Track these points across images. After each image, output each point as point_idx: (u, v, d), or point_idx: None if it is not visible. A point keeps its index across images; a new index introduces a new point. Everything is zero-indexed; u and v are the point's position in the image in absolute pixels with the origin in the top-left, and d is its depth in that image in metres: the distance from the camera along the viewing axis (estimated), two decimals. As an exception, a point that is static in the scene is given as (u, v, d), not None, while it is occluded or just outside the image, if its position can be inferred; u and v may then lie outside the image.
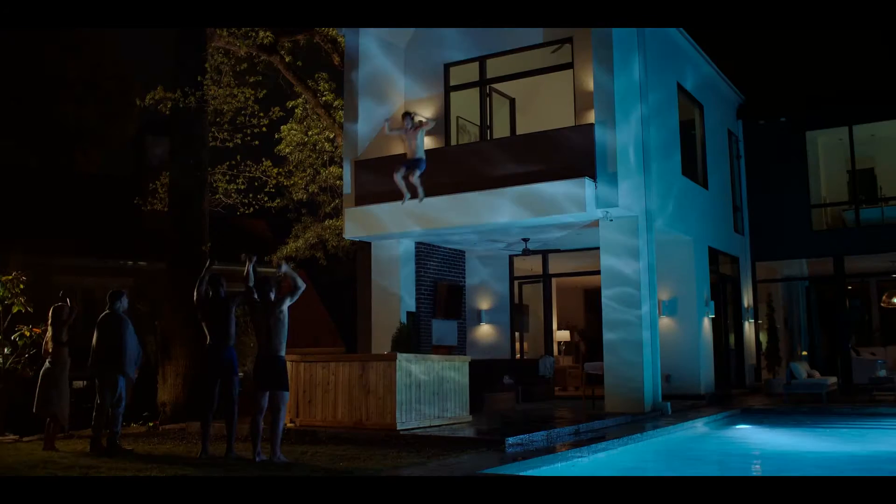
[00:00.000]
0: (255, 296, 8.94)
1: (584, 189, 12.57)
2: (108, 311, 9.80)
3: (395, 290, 15.16)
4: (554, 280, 18.56)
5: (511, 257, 18.02)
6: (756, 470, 9.90)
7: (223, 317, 9.24)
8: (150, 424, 13.14)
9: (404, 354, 10.89)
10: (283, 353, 8.85)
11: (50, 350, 10.25)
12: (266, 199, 17.46)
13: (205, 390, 9.42)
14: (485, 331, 18.03)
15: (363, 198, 14.68)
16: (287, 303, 8.84)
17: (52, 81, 27.89)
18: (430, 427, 10.76)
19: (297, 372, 11.32)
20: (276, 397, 8.81)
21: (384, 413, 10.49)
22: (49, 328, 10.32)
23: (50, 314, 10.36)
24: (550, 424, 11.17)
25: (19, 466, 8.29)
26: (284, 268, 9.10)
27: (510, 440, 9.46)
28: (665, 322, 15.87)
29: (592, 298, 20.99)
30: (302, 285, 8.90)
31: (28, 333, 11.77)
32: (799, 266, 20.87)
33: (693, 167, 17.00)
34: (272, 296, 8.92)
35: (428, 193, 13.93)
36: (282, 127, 17.65)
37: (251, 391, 9.11)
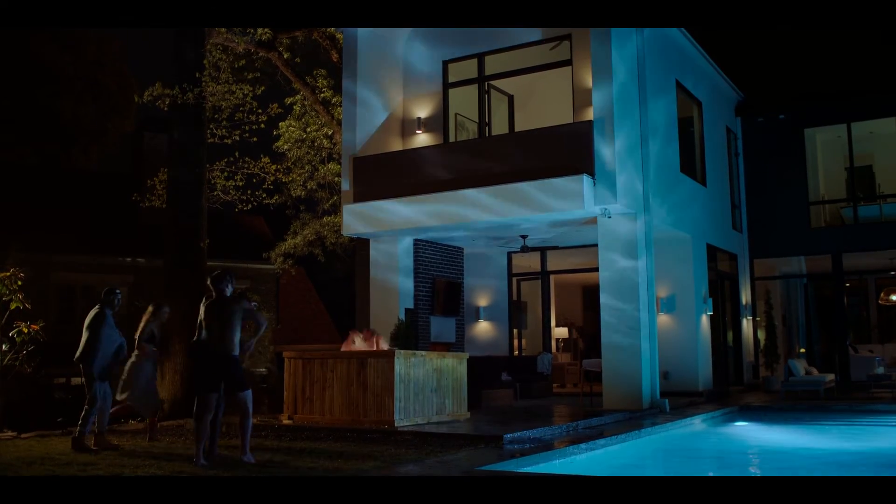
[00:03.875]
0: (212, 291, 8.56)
1: (583, 186, 12.58)
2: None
3: (394, 286, 15.17)
4: (552, 277, 18.58)
5: (509, 254, 18.03)
6: (754, 467, 9.91)
7: None
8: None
9: (402, 351, 10.90)
10: (236, 353, 8.35)
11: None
12: (264, 195, 17.47)
13: None
14: (483, 328, 18.04)
15: (361, 194, 14.69)
16: (252, 340, 8.76)
17: (50, 78, 27.84)
18: (429, 424, 10.77)
19: (295, 369, 11.33)
20: (238, 400, 8.35)
21: (382, 410, 10.51)
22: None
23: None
24: (548, 421, 11.18)
25: (17, 463, 8.29)
26: (246, 304, 8.62)
27: (508, 437, 9.46)
28: (663, 319, 15.89)
29: (591, 295, 21.03)
30: (263, 322, 8.77)
31: (26, 330, 11.74)
32: (797, 263, 20.89)
33: (691, 164, 17.00)
34: (228, 291, 8.52)
35: (427, 190, 13.96)
36: (280, 123, 17.65)
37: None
